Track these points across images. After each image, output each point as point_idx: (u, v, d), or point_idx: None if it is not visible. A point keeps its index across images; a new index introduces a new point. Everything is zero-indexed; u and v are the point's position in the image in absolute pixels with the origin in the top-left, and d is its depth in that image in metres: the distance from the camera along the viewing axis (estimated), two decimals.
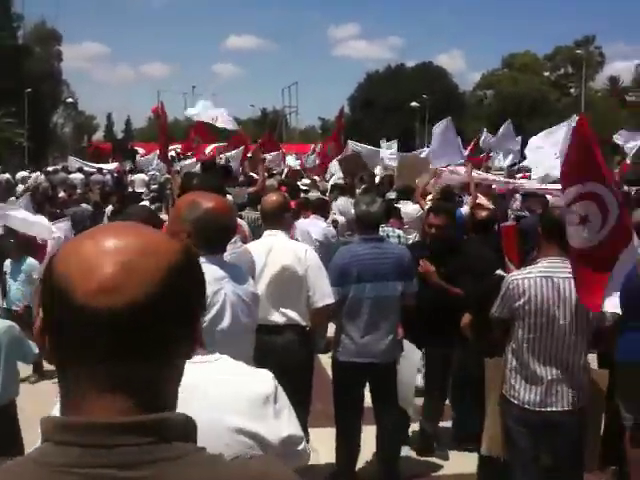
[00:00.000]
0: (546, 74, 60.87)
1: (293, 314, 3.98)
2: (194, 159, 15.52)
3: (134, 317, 0.84)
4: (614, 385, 3.78)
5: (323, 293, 3.91)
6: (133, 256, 0.86)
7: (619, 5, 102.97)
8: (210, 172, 7.37)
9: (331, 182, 13.10)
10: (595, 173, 2.99)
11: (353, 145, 14.71)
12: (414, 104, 44.47)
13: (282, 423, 1.61)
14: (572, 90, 57.50)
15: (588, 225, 3.02)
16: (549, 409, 3.33)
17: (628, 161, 15.48)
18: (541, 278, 3.29)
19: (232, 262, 2.82)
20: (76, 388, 0.87)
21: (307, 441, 1.76)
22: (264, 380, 1.66)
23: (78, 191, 15.70)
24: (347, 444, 4.33)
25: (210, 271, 2.23)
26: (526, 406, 3.36)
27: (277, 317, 3.96)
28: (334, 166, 14.41)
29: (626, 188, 10.29)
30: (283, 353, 3.87)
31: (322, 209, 7.87)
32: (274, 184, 9.99)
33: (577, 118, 3.22)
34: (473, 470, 4.18)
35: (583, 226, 3.02)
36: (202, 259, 1.68)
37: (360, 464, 4.46)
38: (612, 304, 3.13)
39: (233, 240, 3.09)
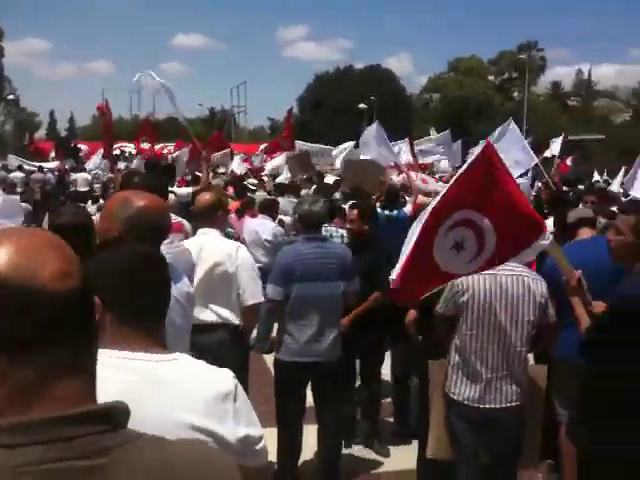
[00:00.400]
0: (491, 78, 62.28)
1: (225, 313, 3.96)
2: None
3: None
4: (550, 381, 3.87)
5: (252, 292, 3.92)
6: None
7: (561, 11, 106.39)
8: (154, 171, 7.24)
9: (277, 181, 13.08)
10: (486, 202, 2.87)
11: (300, 145, 14.70)
12: (362, 106, 44.77)
13: (240, 422, 1.60)
14: (515, 94, 59.04)
15: (462, 252, 2.92)
16: (488, 406, 3.39)
17: (569, 162, 15.97)
18: (485, 275, 3.32)
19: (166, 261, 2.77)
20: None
21: None
22: (224, 378, 1.66)
23: (18, 190, 15.21)
24: (289, 443, 4.31)
25: None
26: (466, 402, 3.42)
27: (209, 316, 3.94)
28: (273, 164, 14.35)
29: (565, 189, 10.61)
30: (216, 352, 3.83)
31: (270, 209, 7.85)
32: (220, 184, 9.91)
33: (484, 143, 3.04)
34: (413, 466, 4.23)
35: (456, 252, 2.92)
36: None
37: (301, 463, 4.46)
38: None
39: (170, 240, 3.04)
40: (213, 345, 3.89)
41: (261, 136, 55.84)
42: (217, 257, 3.92)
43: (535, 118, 43.33)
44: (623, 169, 11.60)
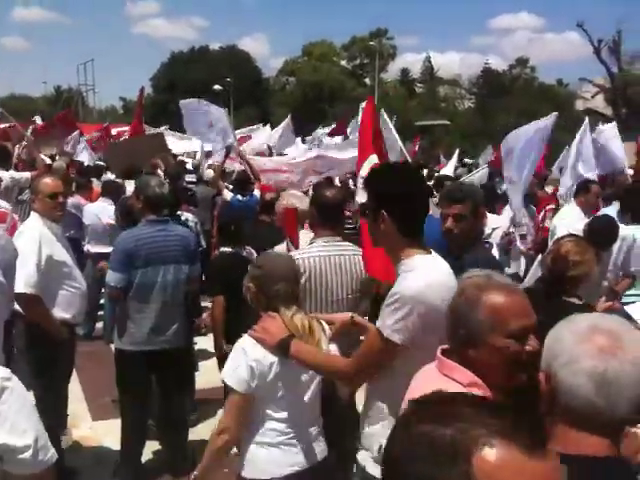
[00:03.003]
0: (343, 63, 63.67)
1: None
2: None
3: None
4: None
5: (16, 282, 3.42)
6: None
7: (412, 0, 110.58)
8: None
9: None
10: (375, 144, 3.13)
11: (148, 128, 14.24)
12: (218, 87, 44.04)
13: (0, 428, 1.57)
14: (367, 80, 60.88)
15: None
16: None
17: (416, 147, 16.87)
18: (319, 257, 3.41)
19: None
20: None
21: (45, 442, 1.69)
22: None
23: None
24: (133, 434, 4.20)
25: None
26: None
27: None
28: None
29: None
30: (17, 345, 3.85)
31: (113, 192, 7.55)
32: (62, 165, 9.38)
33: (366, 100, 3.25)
34: None
35: None
36: None
37: (146, 454, 4.37)
38: None
39: None
40: (15, 337, 3.79)
41: (113, 116, 53.41)
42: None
43: (385, 103, 44.99)
44: (457, 152, 12.37)
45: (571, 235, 3.64)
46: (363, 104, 3.26)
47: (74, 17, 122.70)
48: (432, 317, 2.07)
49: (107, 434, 4.66)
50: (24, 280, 3.59)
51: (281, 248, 4.34)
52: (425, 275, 2.17)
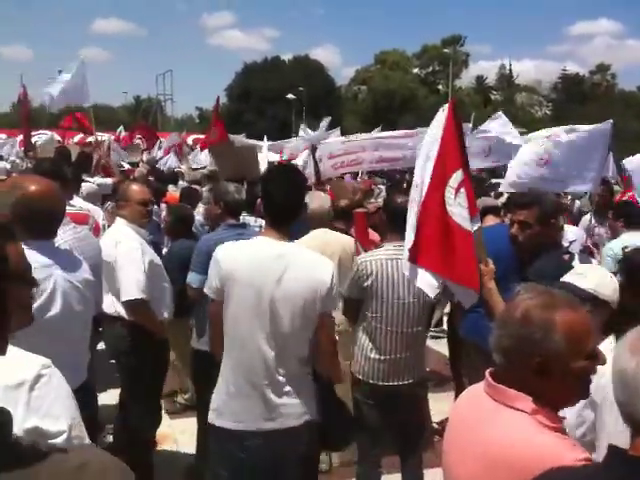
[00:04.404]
0: (415, 71, 63.30)
1: (118, 306, 3.83)
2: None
3: None
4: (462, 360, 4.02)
5: (124, 288, 3.73)
6: None
7: (485, 8, 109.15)
8: (63, 158, 7.01)
9: (205, 171, 12.93)
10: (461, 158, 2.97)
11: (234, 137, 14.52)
12: (291, 96, 44.72)
13: (34, 413, 1.57)
14: (440, 87, 60.32)
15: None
16: (392, 383, 3.54)
17: None
18: (387, 260, 3.47)
19: (65, 248, 2.73)
20: None
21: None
22: (24, 367, 1.61)
23: None
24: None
25: (34, 257, 2.12)
26: (371, 381, 3.56)
27: (109, 307, 3.84)
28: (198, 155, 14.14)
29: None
30: (116, 346, 3.92)
31: (191, 198, 7.79)
32: (143, 172, 9.76)
33: (448, 103, 3.13)
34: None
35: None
36: (24, 245, 1.54)
37: None
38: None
39: (72, 225, 2.99)
40: (110, 338, 3.89)
41: (190, 125, 55.05)
42: (105, 250, 3.72)
43: (461, 111, 44.40)
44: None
45: None
46: (444, 110, 3.06)
47: (151, 29, 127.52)
48: (227, 277, 2.66)
49: (184, 432, 4.79)
50: (136, 285, 3.70)
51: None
52: (233, 246, 2.79)
